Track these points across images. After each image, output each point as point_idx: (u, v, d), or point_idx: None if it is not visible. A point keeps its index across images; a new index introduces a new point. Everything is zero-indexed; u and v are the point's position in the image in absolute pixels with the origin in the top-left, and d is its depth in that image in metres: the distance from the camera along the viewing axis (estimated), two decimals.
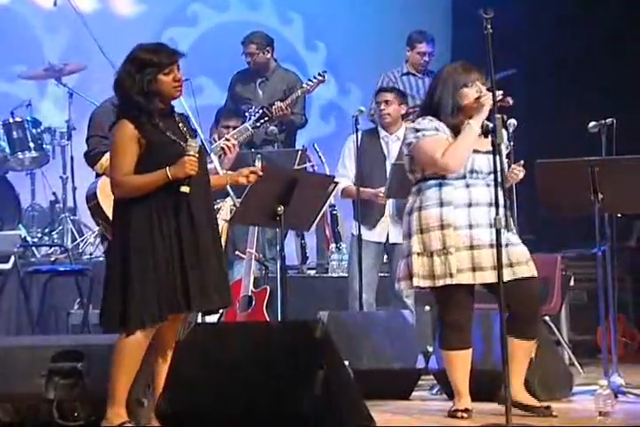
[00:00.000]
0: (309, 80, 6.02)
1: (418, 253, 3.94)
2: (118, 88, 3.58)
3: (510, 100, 3.95)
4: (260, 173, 3.83)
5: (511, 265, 3.90)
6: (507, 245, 3.86)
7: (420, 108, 4.22)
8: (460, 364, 3.95)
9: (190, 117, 4.07)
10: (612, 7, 7.15)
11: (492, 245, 3.85)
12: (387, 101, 5.41)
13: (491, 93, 3.87)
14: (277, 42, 6.50)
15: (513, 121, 4.67)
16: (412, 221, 3.97)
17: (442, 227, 3.90)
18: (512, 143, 4.28)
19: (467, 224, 3.90)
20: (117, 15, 7.41)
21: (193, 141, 3.56)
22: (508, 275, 3.85)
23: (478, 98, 3.92)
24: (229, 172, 4.47)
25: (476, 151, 3.93)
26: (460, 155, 3.90)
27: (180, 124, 3.63)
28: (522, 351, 3.97)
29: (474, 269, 3.88)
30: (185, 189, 3.50)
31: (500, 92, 3.92)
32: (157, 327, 3.55)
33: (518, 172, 4.05)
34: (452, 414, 3.92)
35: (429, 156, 3.94)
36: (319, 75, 5.99)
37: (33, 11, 7.16)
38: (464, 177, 3.93)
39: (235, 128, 5.66)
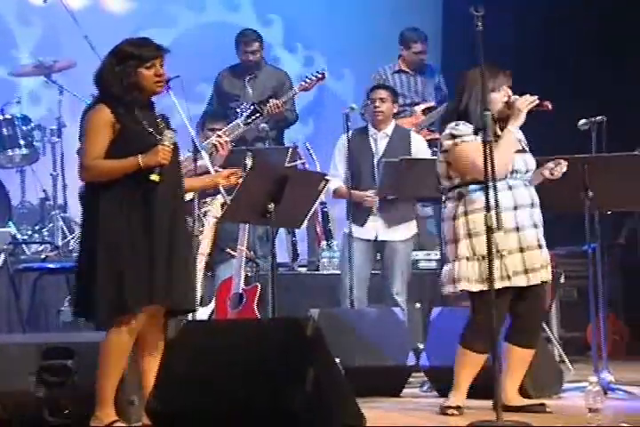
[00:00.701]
0: (307, 78, 5.99)
1: (467, 258, 3.93)
2: (99, 79, 3.57)
3: (549, 105, 3.97)
4: (240, 174, 3.83)
5: (542, 267, 3.96)
6: (539, 247, 3.95)
7: (445, 113, 4.25)
8: (472, 365, 3.95)
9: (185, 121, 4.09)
10: (602, 7, 7.17)
11: (540, 246, 3.95)
12: (382, 99, 5.40)
13: (526, 97, 3.92)
14: None
15: None
16: (458, 226, 3.94)
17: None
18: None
19: (514, 227, 3.92)
20: (107, 12, 7.38)
21: (169, 132, 3.55)
22: (540, 277, 3.94)
23: (507, 102, 3.95)
24: (220, 169, 4.46)
25: (516, 151, 3.97)
26: (504, 161, 3.90)
27: (159, 120, 3.62)
28: (520, 360, 4.00)
29: (526, 271, 3.91)
30: (155, 177, 3.47)
31: (536, 97, 3.95)
32: (141, 325, 3.54)
33: (561, 168, 4.08)
34: (443, 410, 3.94)
35: (471, 162, 3.89)
36: (317, 73, 5.97)
37: (22, 7, 7.14)
38: (505, 177, 3.94)
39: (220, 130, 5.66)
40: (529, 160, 4.04)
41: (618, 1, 7.12)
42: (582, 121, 4.76)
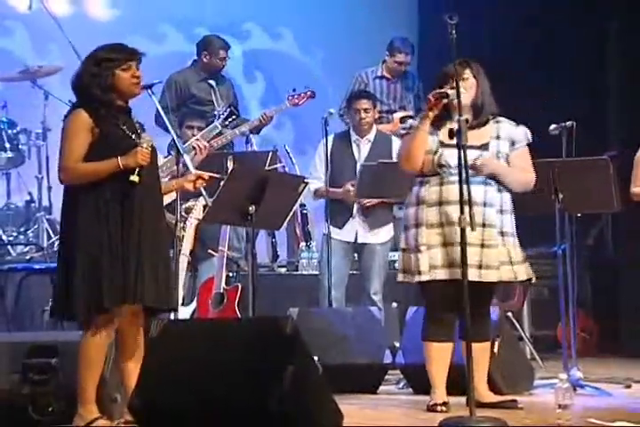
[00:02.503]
0: (297, 94, 6.01)
1: (403, 250, 4.08)
2: (77, 85, 3.64)
3: (446, 93, 3.93)
4: (206, 177, 3.89)
5: (480, 267, 3.95)
6: (482, 246, 3.95)
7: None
8: (437, 356, 4.03)
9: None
10: (578, 10, 7.29)
11: (466, 243, 3.88)
12: (365, 109, 5.46)
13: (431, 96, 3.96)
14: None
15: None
16: (402, 218, 4.13)
17: (416, 225, 4.00)
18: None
19: (438, 222, 3.97)
20: (92, 19, 7.44)
21: (147, 136, 3.63)
22: (473, 275, 3.88)
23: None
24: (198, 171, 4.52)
25: (448, 146, 3.96)
26: (406, 152, 4.00)
27: (137, 125, 3.69)
28: (476, 353, 3.98)
29: (449, 266, 3.94)
30: (134, 178, 3.55)
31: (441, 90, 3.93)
32: (118, 324, 3.61)
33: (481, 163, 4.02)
34: (432, 408, 3.99)
35: (399, 154, 4.13)
36: (306, 91, 6.02)
37: (8, 14, 7.18)
38: (438, 173, 4.01)
39: (199, 129, 5.73)
40: (469, 156, 3.93)
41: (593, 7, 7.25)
42: (553, 126, 4.87)
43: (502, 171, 4.06)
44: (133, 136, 3.63)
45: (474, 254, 3.91)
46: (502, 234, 4.03)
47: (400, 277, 4.10)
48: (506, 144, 4.09)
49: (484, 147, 4.04)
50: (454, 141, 3.90)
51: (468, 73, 4.03)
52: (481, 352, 4.05)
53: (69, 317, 3.63)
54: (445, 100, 3.97)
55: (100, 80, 3.58)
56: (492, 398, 4.09)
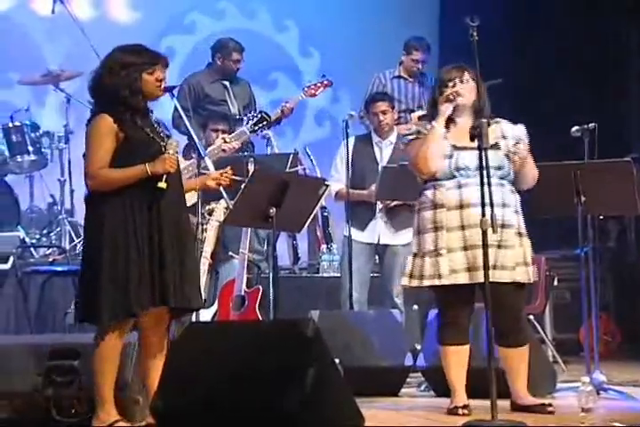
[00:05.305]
0: (313, 84, 6.06)
1: (414, 254, 4.06)
2: (99, 87, 3.64)
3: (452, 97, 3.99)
4: (230, 173, 3.91)
5: (494, 267, 3.92)
6: (499, 247, 3.93)
7: None
8: (455, 359, 4.03)
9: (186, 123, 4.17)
10: (599, 10, 7.27)
11: (487, 245, 3.88)
12: (383, 111, 5.50)
13: (449, 96, 3.99)
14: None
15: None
16: (413, 223, 4.10)
17: (435, 229, 3.99)
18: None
19: (459, 225, 3.97)
20: (114, 22, 7.50)
21: (173, 140, 3.65)
22: (492, 276, 3.83)
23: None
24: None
25: (462, 148, 3.98)
26: (424, 155, 3.99)
27: (156, 125, 3.71)
28: (511, 359, 4.03)
29: (469, 270, 3.94)
30: (162, 185, 3.57)
31: (451, 90, 3.97)
32: (144, 324, 3.63)
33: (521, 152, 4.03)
34: (453, 411, 3.98)
35: (409, 159, 4.11)
36: (323, 79, 6.05)
37: (32, 18, 7.25)
38: (454, 176, 4.00)
39: (224, 131, 5.75)
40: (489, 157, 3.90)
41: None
42: (575, 128, 4.84)
43: (530, 160, 4.08)
44: (156, 138, 3.64)
45: (490, 256, 3.85)
46: (520, 235, 4.03)
47: (405, 282, 4.08)
48: (512, 143, 4.09)
49: (495, 146, 4.02)
50: (466, 144, 3.93)
51: (467, 76, 4.05)
52: (518, 358, 4.06)
53: (95, 320, 3.62)
54: (461, 99, 4.00)
55: (128, 83, 3.59)
56: (529, 400, 4.04)
